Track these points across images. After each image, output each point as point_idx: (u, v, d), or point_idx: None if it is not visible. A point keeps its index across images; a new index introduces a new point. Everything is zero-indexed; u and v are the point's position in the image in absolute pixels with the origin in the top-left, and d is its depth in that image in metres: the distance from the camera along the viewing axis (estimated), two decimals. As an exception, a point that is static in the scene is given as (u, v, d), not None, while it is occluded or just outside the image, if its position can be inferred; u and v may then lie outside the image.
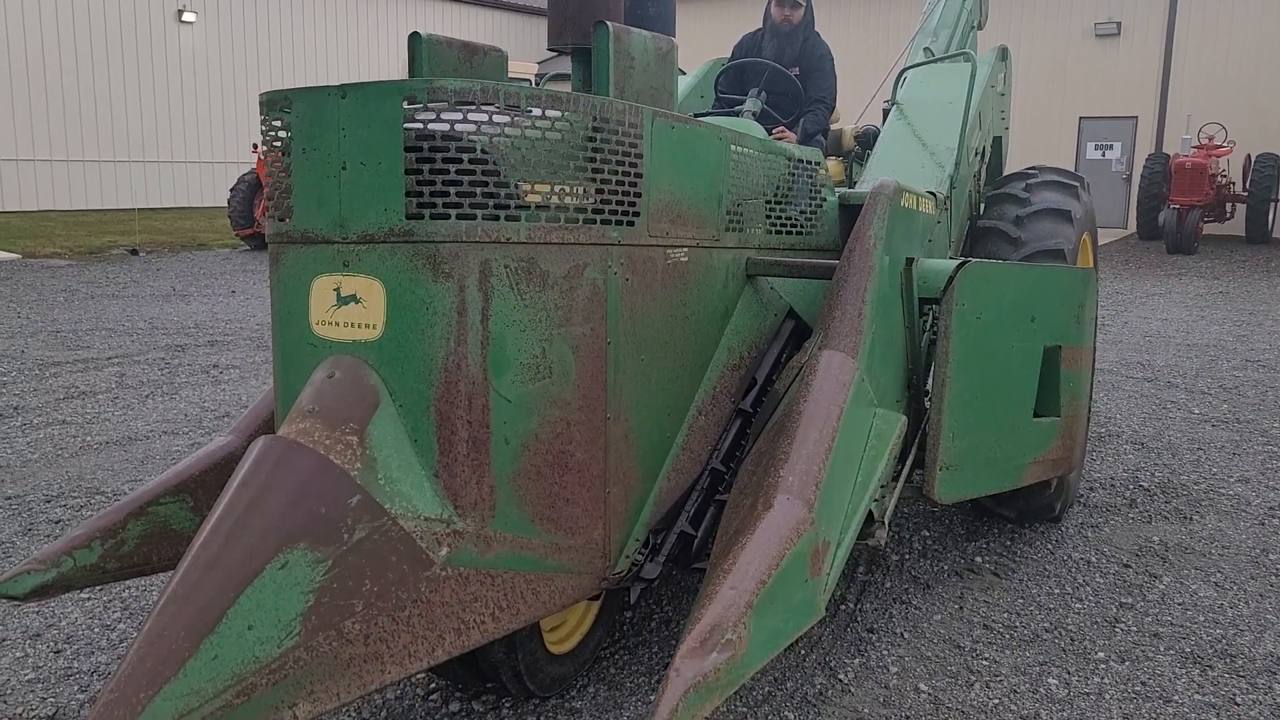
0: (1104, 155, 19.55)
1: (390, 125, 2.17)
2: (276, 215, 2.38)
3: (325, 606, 1.97)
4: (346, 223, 2.22)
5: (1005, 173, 5.13)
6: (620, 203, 2.45)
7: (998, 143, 5.00)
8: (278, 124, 2.36)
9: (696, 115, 4.08)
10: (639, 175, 2.49)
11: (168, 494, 2.76)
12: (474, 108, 2.18)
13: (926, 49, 4.99)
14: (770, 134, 4.17)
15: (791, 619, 2.20)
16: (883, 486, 2.76)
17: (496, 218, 2.21)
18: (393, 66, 26.05)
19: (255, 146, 15.63)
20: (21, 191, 19.63)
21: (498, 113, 2.20)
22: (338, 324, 2.25)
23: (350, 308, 2.25)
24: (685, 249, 2.73)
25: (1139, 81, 19.03)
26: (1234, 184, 17.02)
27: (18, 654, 3.02)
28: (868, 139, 4.70)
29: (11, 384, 6.51)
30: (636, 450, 2.61)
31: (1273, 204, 16.69)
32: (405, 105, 2.15)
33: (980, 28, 6.05)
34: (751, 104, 4.33)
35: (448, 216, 2.18)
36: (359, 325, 2.24)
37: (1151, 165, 16.96)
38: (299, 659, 1.92)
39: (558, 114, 2.28)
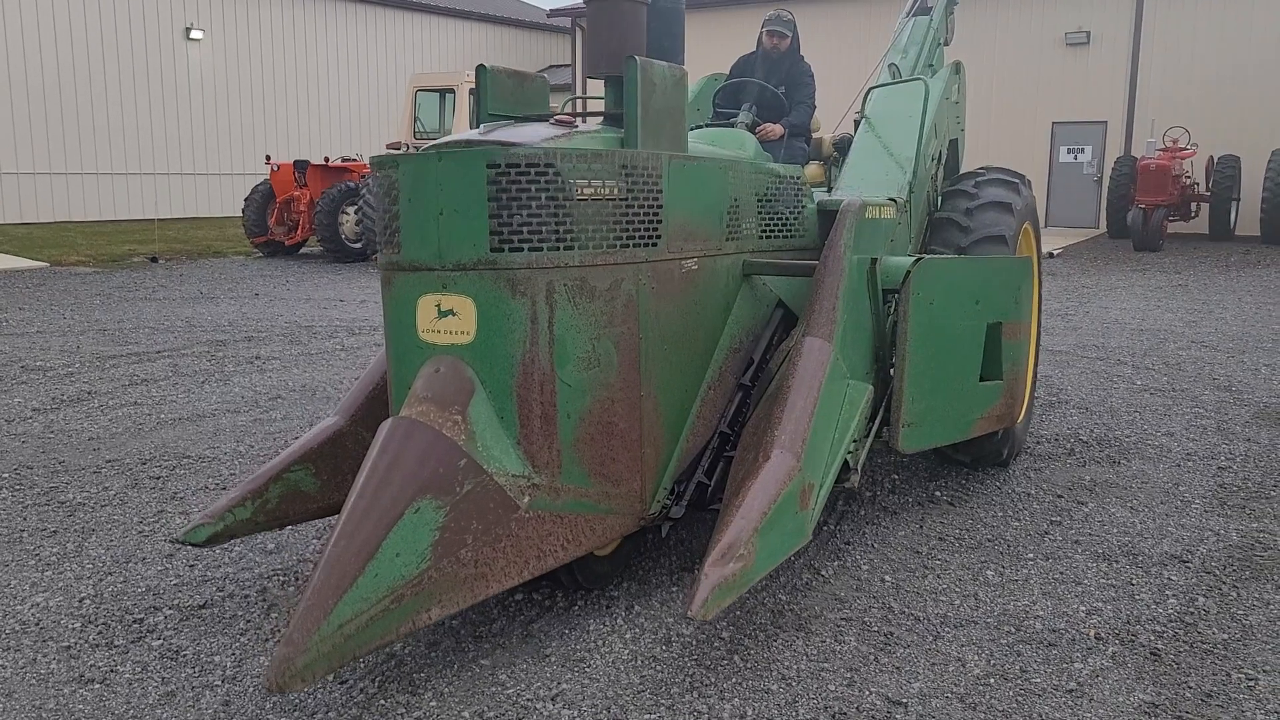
0: (1076, 158, 20.41)
1: (476, 181, 2.92)
2: (389, 249, 3.11)
3: (447, 540, 2.76)
4: (444, 254, 2.98)
5: (964, 170, 5.89)
6: (646, 229, 3.22)
7: (954, 144, 5.75)
8: (388, 179, 3.09)
9: (697, 126, 4.84)
10: (660, 206, 3.27)
11: (296, 463, 3.48)
12: (538, 167, 2.93)
13: (892, 65, 5.75)
14: (757, 133, 4.94)
15: (787, 540, 3.01)
16: (855, 441, 3.53)
17: (557, 249, 2.98)
18: (395, 79, 26.71)
19: (268, 158, 16.30)
20: (39, 203, 20.31)
21: (556, 171, 2.95)
22: (439, 332, 3.02)
23: (449, 319, 3.01)
24: (696, 259, 3.50)
25: (1108, 88, 19.90)
26: (1197, 184, 17.87)
27: (158, 568, 3.73)
28: (844, 145, 5.45)
29: (78, 374, 7.21)
30: (663, 419, 3.39)
31: (1234, 203, 17.54)
32: (487, 167, 2.91)
33: (946, 44, 6.75)
34: (744, 116, 5.09)
35: (521, 250, 2.95)
36: (456, 332, 3.01)
37: (1120, 167, 17.81)
38: (431, 577, 2.72)
39: (600, 166, 3.04)
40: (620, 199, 3.11)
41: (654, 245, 3.26)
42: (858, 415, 3.53)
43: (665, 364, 3.37)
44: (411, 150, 3.42)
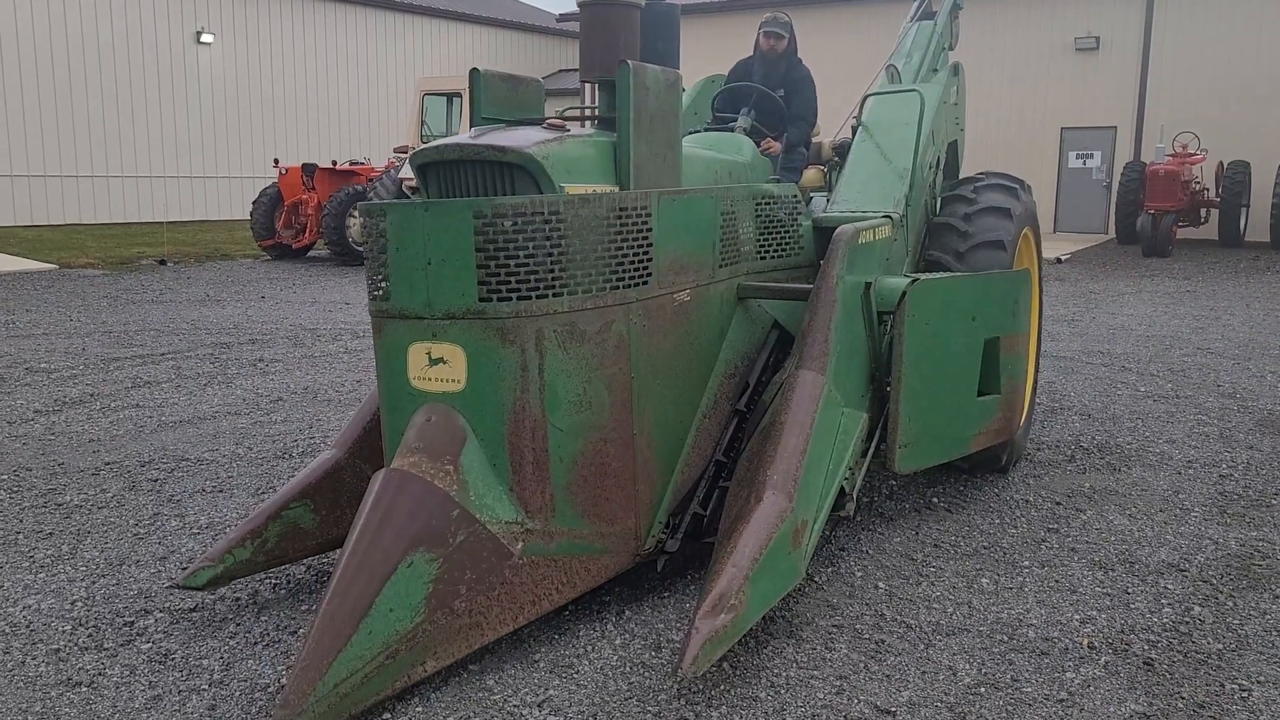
0: (1085, 164, 20.33)
1: (463, 232, 2.91)
2: (379, 295, 3.10)
3: (440, 592, 2.77)
4: (434, 303, 2.97)
5: (963, 171, 5.87)
6: (636, 268, 3.21)
7: (953, 147, 5.73)
8: (376, 228, 3.07)
9: (695, 131, 4.83)
10: (649, 244, 3.26)
11: (294, 500, 3.46)
12: (525, 217, 2.92)
13: (891, 68, 5.72)
14: (759, 145, 4.93)
15: (779, 582, 2.99)
16: (851, 468, 3.50)
17: (545, 296, 2.97)
18: (403, 83, 26.77)
19: (276, 162, 16.36)
20: (49, 206, 20.42)
21: (544, 220, 2.93)
22: (430, 379, 3.02)
23: (439, 367, 3.01)
24: (688, 290, 3.48)
25: (1117, 93, 19.82)
26: (1207, 190, 17.78)
27: (151, 571, 3.73)
28: (843, 149, 5.44)
29: (81, 375, 7.23)
30: (657, 454, 3.38)
31: (1244, 209, 17.45)
32: (474, 218, 2.89)
33: (951, 48, 6.71)
34: (743, 121, 5.07)
35: (510, 299, 2.94)
36: (447, 380, 3.01)
37: (1129, 173, 17.70)
38: (425, 630, 2.73)
39: (588, 213, 3.02)
40: (609, 242, 3.08)
41: (644, 284, 3.25)
42: (853, 443, 3.50)
43: (658, 399, 3.36)
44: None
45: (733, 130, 4.91)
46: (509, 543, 2.91)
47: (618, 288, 3.13)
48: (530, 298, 2.94)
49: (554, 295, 2.97)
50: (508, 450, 2.98)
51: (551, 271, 2.96)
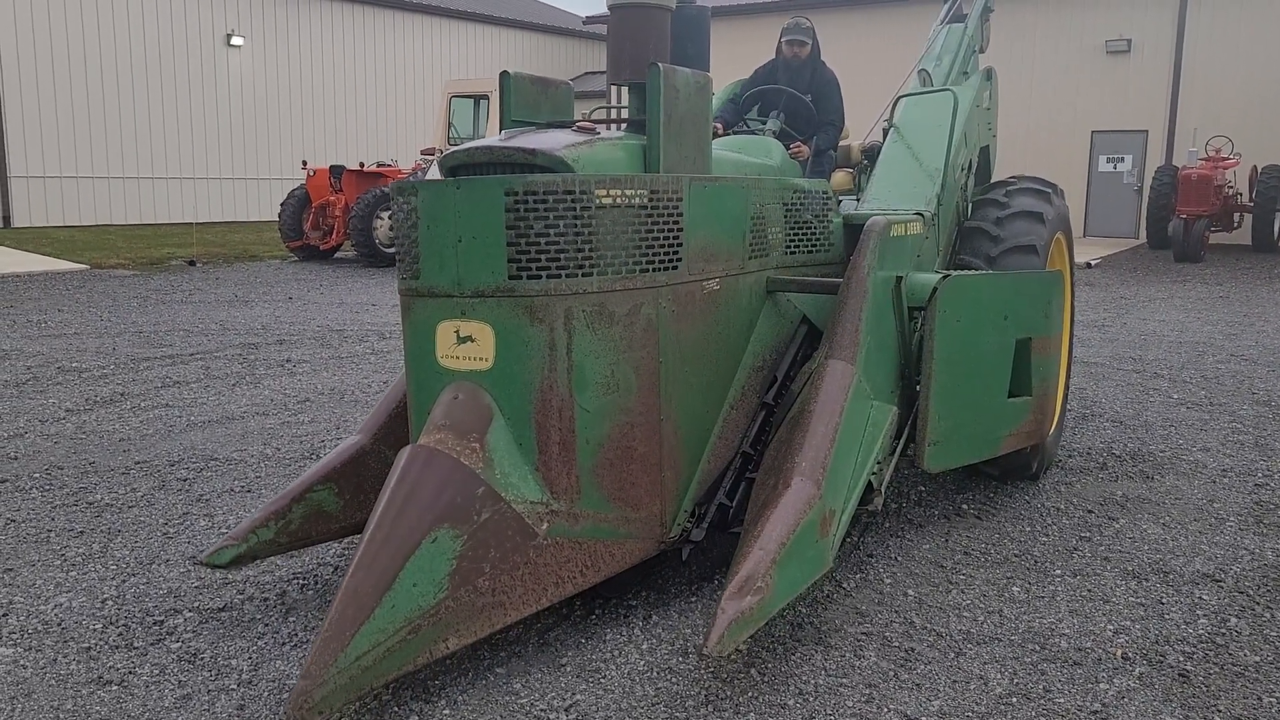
0: (1115, 168, 20.12)
1: (494, 209, 2.91)
2: (408, 274, 3.11)
3: (464, 569, 2.76)
4: (463, 281, 2.97)
5: (995, 177, 5.81)
6: (666, 252, 3.20)
7: (985, 152, 5.68)
8: (407, 205, 3.08)
9: (722, 134, 4.81)
10: (680, 229, 3.25)
11: (318, 483, 3.48)
12: (556, 195, 2.91)
13: (922, 71, 5.68)
14: (788, 149, 4.90)
15: (806, 569, 2.96)
16: (879, 462, 3.47)
17: (575, 275, 2.97)
18: (431, 85, 26.91)
19: (304, 164, 16.47)
20: (81, 207, 20.68)
21: (575, 199, 2.93)
22: (458, 357, 3.02)
23: (467, 345, 3.01)
24: (717, 279, 3.47)
25: (1149, 96, 19.61)
26: (1240, 195, 17.53)
27: (181, 570, 3.75)
28: (873, 153, 5.40)
29: (112, 375, 7.30)
30: (684, 441, 3.36)
31: (1277, 214, 17.18)
32: (505, 195, 2.89)
33: (982, 51, 6.65)
34: (772, 124, 5.05)
35: (540, 277, 2.94)
36: (475, 358, 3.00)
37: (1160, 177, 17.48)
38: (448, 607, 2.71)
39: (619, 192, 3.02)
40: (640, 224, 3.08)
41: (674, 269, 3.23)
42: (881, 437, 3.47)
43: (686, 386, 3.34)
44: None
45: (761, 134, 4.89)
46: (534, 523, 2.90)
47: (648, 270, 3.12)
48: (560, 276, 2.94)
49: (584, 275, 2.97)
50: (534, 430, 2.97)
51: (581, 251, 2.95)
